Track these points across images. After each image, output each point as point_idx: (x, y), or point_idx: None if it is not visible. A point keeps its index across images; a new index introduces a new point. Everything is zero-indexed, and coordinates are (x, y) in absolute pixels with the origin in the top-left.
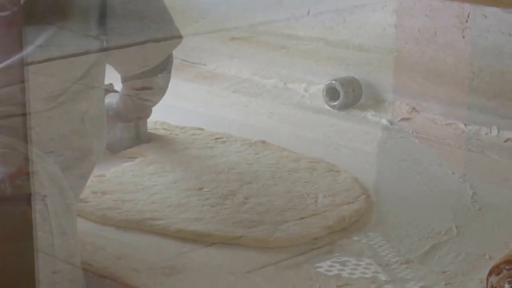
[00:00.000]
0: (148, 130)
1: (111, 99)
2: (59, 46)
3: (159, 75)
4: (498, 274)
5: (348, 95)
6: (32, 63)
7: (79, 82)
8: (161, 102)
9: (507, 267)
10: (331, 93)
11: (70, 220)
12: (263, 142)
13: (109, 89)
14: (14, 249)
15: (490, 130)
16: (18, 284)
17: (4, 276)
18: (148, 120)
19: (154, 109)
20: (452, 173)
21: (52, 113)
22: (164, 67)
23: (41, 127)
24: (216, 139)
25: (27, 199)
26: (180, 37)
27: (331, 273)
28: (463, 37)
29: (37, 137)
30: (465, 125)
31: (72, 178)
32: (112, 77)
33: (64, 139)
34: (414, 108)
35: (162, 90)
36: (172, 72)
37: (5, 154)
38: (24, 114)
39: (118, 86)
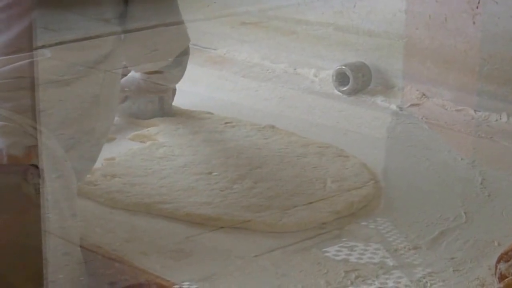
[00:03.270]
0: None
1: (130, 77)
2: (71, 30)
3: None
4: (507, 261)
5: (357, 80)
6: (43, 46)
7: (94, 66)
8: None
9: None
10: (341, 78)
11: (68, 198)
12: (272, 127)
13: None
14: (7, 222)
15: (500, 116)
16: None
17: None
18: None
19: None
20: (462, 159)
21: (63, 95)
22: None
23: (52, 109)
24: (226, 123)
25: (23, 172)
26: (188, 40)
27: (339, 258)
28: (474, 23)
29: (47, 119)
30: (475, 111)
31: (78, 159)
32: None
33: (74, 122)
34: (423, 94)
35: (172, 75)
36: None
37: (5, 127)
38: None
39: None
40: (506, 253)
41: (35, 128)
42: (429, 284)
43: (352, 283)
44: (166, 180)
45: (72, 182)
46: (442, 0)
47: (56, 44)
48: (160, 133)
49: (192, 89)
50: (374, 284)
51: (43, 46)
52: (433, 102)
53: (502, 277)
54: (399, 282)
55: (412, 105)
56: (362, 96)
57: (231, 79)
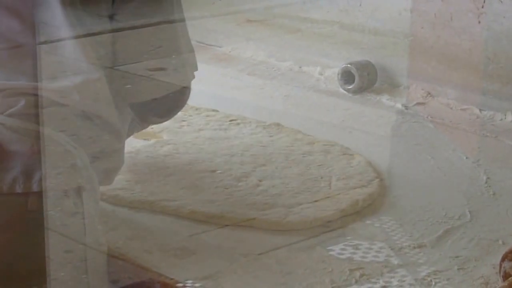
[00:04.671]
0: None
1: None
2: (74, 26)
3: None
4: (511, 259)
5: (363, 79)
6: (45, 42)
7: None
8: None
9: None
10: (346, 76)
11: (97, 208)
12: (278, 124)
13: None
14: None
15: (505, 115)
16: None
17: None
18: None
19: None
20: (466, 158)
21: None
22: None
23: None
24: (231, 121)
25: (64, 192)
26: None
27: (343, 256)
28: (479, 22)
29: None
30: (480, 110)
31: (106, 164)
32: None
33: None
34: (429, 93)
35: (177, 72)
36: None
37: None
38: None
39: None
40: (510, 251)
41: (74, 146)
42: (433, 283)
43: (356, 282)
44: (170, 178)
45: (96, 191)
46: None
47: (57, 40)
48: (164, 130)
49: (197, 87)
50: (379, 283)
51: (45, 42)
52: (438, 101)
53: (506, 276)
54: (404, 281)
55: (417, 103)
56: (367, 95)
57: (236, 77)
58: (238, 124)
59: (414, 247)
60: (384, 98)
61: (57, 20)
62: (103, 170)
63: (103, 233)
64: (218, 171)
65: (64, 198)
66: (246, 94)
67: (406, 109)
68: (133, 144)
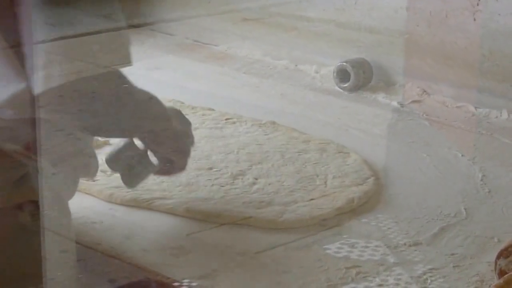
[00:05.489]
0: None
1: None
2: (71, 25)
3: None
4: (506, 257)
5: (358, 77)
6: (43, 41)
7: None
8: (172, 81)
9: None
10: (342, 74)
11: (66, 212)
12: (273, 123)
13: None
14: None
15: (500, 113)
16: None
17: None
18: (163, 97)
19: (167, 87)
20: (462, 155)
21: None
22: None
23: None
24: (227, 119)
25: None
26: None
27: (339, 255)
28: (474, 20)
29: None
30: (476, 108)
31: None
32: None
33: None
34: (424, 91)
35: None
36: (184, 52)
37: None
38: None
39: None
40: (505, 249)
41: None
42: (429, 281)
43: (353, 280)
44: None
45: (60, 196)
46: None
47: (56, 39)
48: None
49: (193, 85)
50: (375, 281)
51: (43, 41)
52: (433, 99)
53: (501, 273)
54: (400, 279)
55: (413, 101)
56: (363, 93)
57: (232, 75)
58: (234, 122)
59: (410, 245)
60: (380, 96)
61: (57, 19)
62: (80, 166)
63: (73, 236)
64: (214, 169)
65: (19, 212)
66: (242, 92)
67: (402, 107)
68: None
